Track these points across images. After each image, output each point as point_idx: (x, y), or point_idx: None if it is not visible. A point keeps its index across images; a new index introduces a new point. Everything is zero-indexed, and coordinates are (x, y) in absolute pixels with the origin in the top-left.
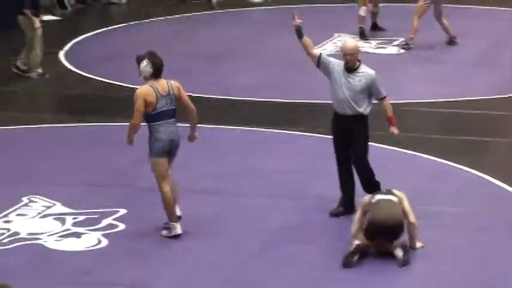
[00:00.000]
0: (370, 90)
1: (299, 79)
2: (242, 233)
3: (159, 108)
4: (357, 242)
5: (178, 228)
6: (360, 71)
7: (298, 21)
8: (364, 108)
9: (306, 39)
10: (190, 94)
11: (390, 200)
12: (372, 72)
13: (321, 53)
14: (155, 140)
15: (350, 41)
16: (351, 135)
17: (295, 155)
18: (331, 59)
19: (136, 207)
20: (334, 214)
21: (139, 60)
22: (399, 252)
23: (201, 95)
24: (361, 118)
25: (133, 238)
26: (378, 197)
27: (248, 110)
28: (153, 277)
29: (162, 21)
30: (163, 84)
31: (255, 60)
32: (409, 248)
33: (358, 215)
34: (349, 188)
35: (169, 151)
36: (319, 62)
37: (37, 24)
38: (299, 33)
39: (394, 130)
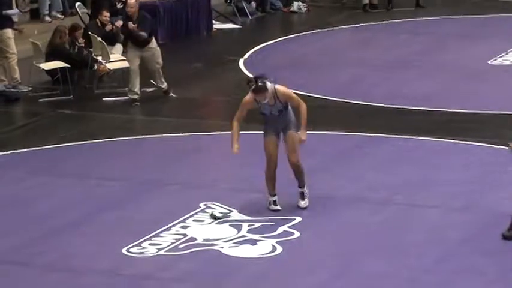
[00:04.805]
0: None
1: (472, 89)
2: (416, 244)
3: None
4: None
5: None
6: None
7: None
8: None
9: None
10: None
11: None
12: None
13: None
14: None
15: None
16: None
17: (469, 165)
18: None
19: (311, 215)
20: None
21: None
22: None
23: (371, 104)
24: None
25: (307, 246)
26: None
27: (420, 119)
28: (326, 285)
29: (340, 30)
30: None
31: (429, 70)
32: None
33: None
34: None
35: None
36: None
37: None
38: None
39: None
